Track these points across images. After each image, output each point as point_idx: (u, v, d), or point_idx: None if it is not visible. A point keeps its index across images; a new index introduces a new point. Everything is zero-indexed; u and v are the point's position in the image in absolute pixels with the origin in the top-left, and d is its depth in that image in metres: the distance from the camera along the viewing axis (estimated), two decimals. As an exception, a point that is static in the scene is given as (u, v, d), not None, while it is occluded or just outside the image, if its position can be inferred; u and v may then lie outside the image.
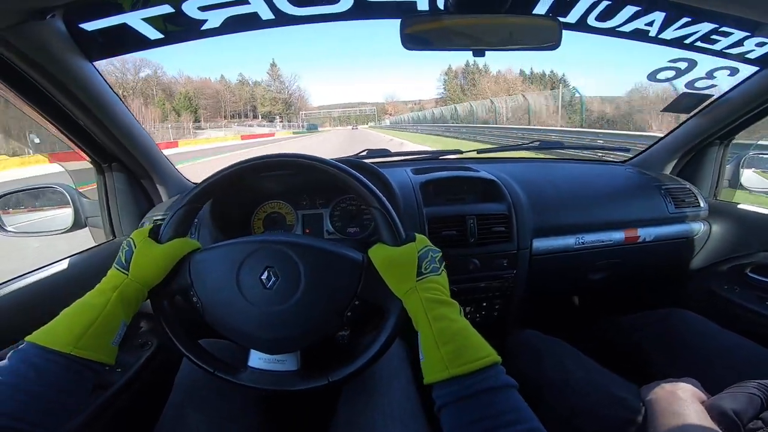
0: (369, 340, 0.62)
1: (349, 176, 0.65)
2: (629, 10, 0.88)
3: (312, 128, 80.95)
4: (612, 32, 0.93)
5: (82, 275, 0.96)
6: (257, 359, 0.64)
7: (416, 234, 0.64)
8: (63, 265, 0.94)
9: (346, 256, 0.62)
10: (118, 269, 0.61)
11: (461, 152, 1.45)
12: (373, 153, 1.37)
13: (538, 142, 1.44)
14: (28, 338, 0.51)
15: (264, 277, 0.60)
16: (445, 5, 0.87)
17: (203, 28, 0.83)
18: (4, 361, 0.49)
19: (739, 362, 0.82)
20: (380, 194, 0.65)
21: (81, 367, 0.52)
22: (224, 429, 0.68)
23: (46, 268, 0.91)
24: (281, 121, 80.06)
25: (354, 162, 1.13)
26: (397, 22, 0.85)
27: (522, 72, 65.04)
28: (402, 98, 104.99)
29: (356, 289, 0.61)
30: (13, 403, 0.45)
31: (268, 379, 0.63)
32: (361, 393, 0.71)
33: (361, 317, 0.62)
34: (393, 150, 1.42)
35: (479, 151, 1.48)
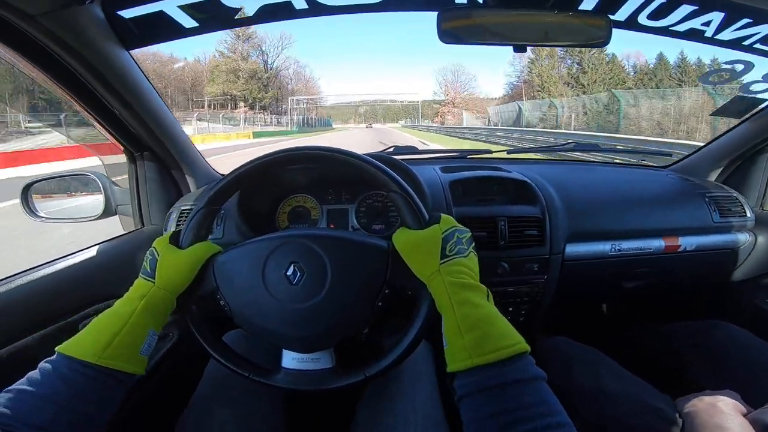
0: (400, 336, 0.60)
1: (365, 163, 0.63)
2: (685, 9, 0.83)
3: (324, 125, 58.81)
4: (665, 31, 0.89)
5: (110, 262, 0.97)
6: (290, 359, 0.62)
7: (441, 214, 0.61)
8: (92, 252, 0.95)
9: (370, 244, 0.61)
10: (144, 278, 0.60)
11: (491, 152, 1.42)
12: (400, 150, 1.34)
13: (572, 144, 1.39)
14: (58, 348, 0.51)
15: (289, 273, 0.59)
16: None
17: (237, 16, 0.83)
18: (35, 372, 0.49)
19: None
20: (399, 178, 0.62)
21: (106, 377, 0.51)
22: (252, 429, 0.67)
23: (75, 254, 0.92)
24: (245, 112, 47.81)
25: (382, 157, 1.11)
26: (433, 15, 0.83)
27: (661, 56, 35.18)
28: (477, 92, 64.37)
29: (384, 276, 0.59)
30: (41, 414, 0.45)
31: (304, 380, 0.62)
32: (383, 396, 0.69)
33: (391, 307, 0.60)
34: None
35: (509, 151, 1.45)
